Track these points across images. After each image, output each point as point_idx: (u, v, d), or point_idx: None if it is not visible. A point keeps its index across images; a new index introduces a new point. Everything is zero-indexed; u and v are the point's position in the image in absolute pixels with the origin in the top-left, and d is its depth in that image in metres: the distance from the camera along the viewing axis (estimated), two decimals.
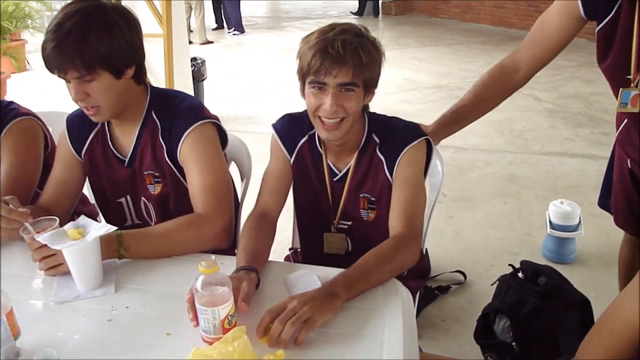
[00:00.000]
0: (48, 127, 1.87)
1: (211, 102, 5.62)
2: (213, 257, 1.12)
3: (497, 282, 2.09)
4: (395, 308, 1.23)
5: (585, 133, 4.87)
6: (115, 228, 1.33)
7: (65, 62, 1.41)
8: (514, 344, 1.90)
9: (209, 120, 1.61)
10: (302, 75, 1.46)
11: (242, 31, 10.36)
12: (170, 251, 1.47)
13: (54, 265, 1.35)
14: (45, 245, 1.28)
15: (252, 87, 6.76)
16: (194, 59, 5.27)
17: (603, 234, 3.20)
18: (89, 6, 1.44)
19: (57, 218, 1.40)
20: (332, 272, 1.30)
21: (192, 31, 9.60)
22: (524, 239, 3.23)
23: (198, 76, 5.28)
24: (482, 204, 3.65)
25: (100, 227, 1.31)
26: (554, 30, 1.65)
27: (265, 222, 1.56)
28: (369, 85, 1.47)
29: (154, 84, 5.07)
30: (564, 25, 1.63)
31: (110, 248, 1.40)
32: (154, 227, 1.58)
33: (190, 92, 5.05)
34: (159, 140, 1.61)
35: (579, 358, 1.15)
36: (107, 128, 1.67)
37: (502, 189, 3.85)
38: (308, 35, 1.46)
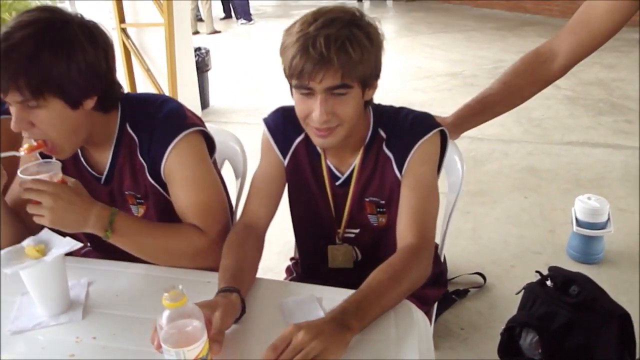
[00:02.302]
0: None
1: (216, 94, 5.47)
2: (180, 286, 0.91)
3: (523, 291, 1.88)
4: (410, 342, 1.03)
5: (607, 121, 4.63)
6: (80, 244, 1.13)
7: (7, 80, 1.14)
8: None
9: (194, 128, 1.37)
10: (286, 76, 1.24)
11: (249, 19, 10.15)
12: (158, 254, 1.29)
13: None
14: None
15: (260, 77, 6.55)
16: (197, 49, 5.11)
17: (632, 230, 2.99)
18: (48, 18, 1.18)
19: (59, 163, 1.20)
20: (335, 294, 1.10)
21: (202, 20, 9.41)
22: (546, 236, 3.01)
23: (202, 66, 5.10)
24: (501, 199, 3.43)
25: (65, 244, 1.12)
26: (602, 13, 1.42)
27: (252, 235, 1.35)
28: (367, 81, 1.24)
29: (156, 75, 4.82)
30: (614, 7, 1.39)
31: (99, 222, 1.20)
32: (150, 222, 1.38)
33: (194, 82, 4.89)
34: (138, 159, 1.37)
35: None
36: None
37: (521, 182, 3.63)
38: (290, 26, 1.23)
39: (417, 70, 6.48)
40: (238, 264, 1.20)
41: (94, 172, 1.43)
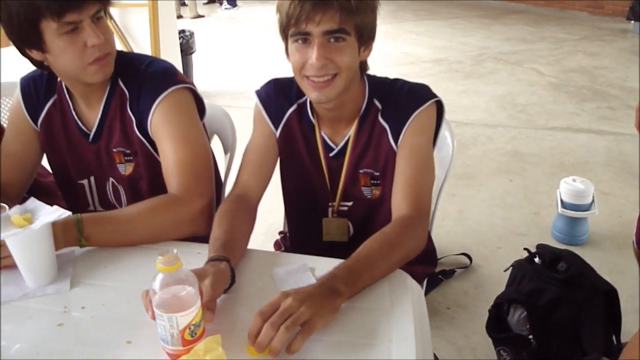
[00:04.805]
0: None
1: (200, 77, 5.40)
2: (175, 250, 0.89)
3: (511, 268, 1.89)
4: (404, 308, 1.02)
5: (591, 107, 4.67)
6: (69, 213, 1.11)
7: None
8: (530, 337, 1.71)
9: (183, 85, 1.38)
10: (283, 30, 1.22)
11: (233, 4, 10.03)
12: (140, 239, 1.26)
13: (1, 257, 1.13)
14: None
15: (244, 61, 6.51)
16: (182, 31, 5.03)
17: (615, 213, 3.03)
18: None
19: (5, 206, 1.17)
20: (328, 264, 1.09)
21: (185, 4, 9.30)
22: (531, 218, 3.03)
23: (186, 49, 5.02)
24: (486, 182, 3.44)
25: (51, 212, 1.09)
26: None
27: (244, 206, 1.33)
28: (364, 35, 1.23)
29: None
30: None
31: (68, 236, 1.18)
32: (120, 210, 1.36)
33: (179, 65, 4.83)
34: (127, 112, 1.39)
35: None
36: (68, 97, 1.44)
37: (506, 165, 3.65)
38: None
39: (402, 56, 6.47)
40: (229, 234, 1.18)
41: (83, 127, 1.44)
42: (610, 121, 4.35)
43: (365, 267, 1.06)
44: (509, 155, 3.79)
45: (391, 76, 1.41)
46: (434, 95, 1.33)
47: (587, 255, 2.64)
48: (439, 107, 1.36)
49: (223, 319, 0.99)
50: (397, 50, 6.71)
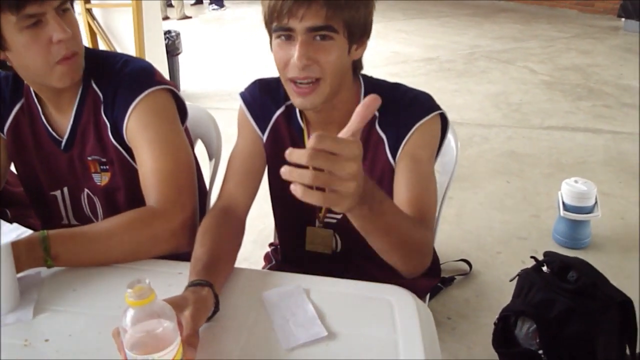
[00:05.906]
0: None
1: (187, 78, 5.29)
2: (147, 280, 0.75)
3: (517, 277, 1.77)
4: (413, 337, 0.90)
5: (586, 106, 4.59)
6: (30, 231, 0.98)
7: None
8: (541, 352, 1.60)
9: (162, 86, 1.26)
10: (266, 24, 1.09)
11: (221, 5, 9.91)
12: (115, 257, 1.12)
13: None
14: None
15: (232, 62, 6.38)
16: (167, 32, 4.91)
17: (617, 215, 2.93)
18: None
19: None
20: (324, 284, 0.98)
21: (172, 6, 9.17)
22: (531, 221, 2.93)
23: (172, 50, 4.90)
24: (484, 184, 3.34)
25: (11, 231, 0.97)
26: None
27: (230, 219, 1.20)
28: (355, 33, 1.09)
29: None
30: None
31: (32, 256, 1.04)
32: (92, 225, 1.22)
33: (164, 66, 4.70)
34: (102, 117, 1.27)
35: None
36: (37, 101, 1.31)
37: (503, 166, 3.55)
38: None
39: (393, 55, 6.38)
40: (212, 253, 1.05)
41: (54, 134, 1.32)
42: (607, 119, 4.28)
43: (389, 210, 0.96)
44: (505, 156, 3.69)
45: (382, 76, 1.28)
46: (437, 107, 1.20)
47: (591, 259, 2.53)
48: (443, 121, 1.22)
49: (206, 352, 0.86)
50: (387, 49, 6.61)
